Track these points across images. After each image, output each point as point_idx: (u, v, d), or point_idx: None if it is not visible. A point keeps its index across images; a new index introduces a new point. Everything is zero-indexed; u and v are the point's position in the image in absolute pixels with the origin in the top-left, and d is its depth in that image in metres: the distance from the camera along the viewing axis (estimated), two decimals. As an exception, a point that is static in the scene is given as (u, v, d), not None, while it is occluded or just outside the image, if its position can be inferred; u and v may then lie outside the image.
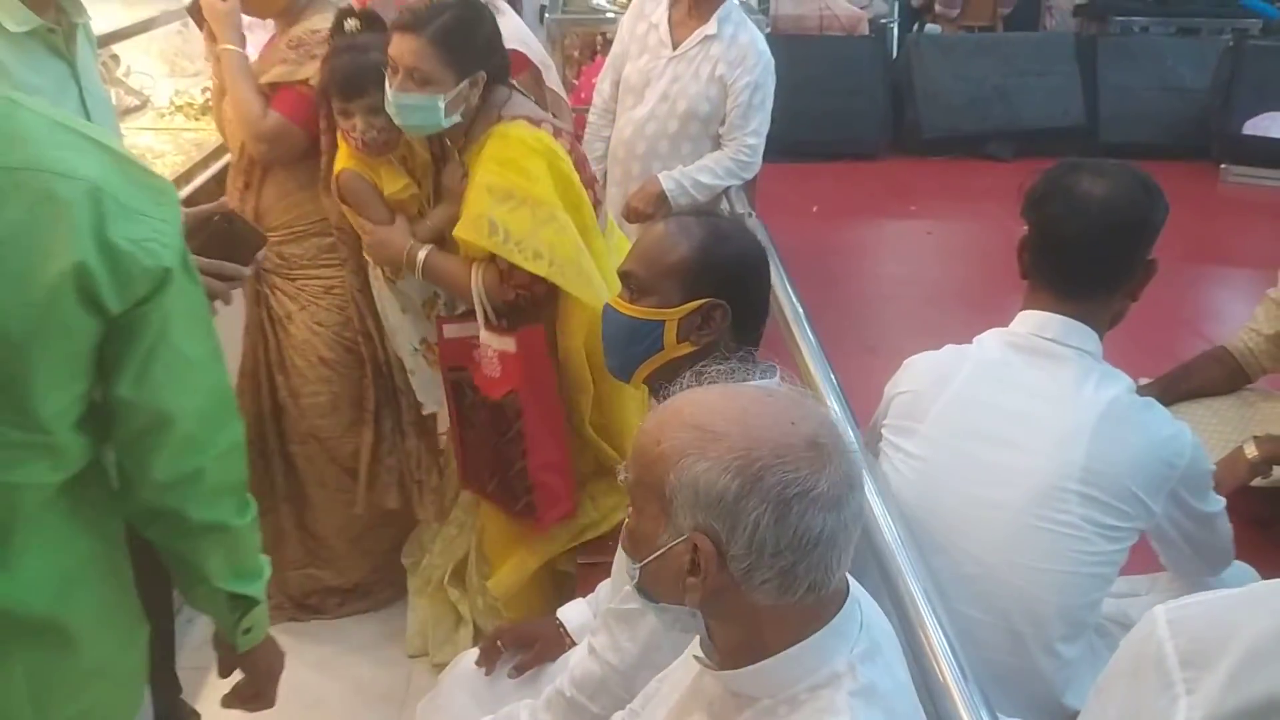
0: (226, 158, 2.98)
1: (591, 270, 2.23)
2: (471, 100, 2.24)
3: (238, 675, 1.51)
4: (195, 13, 2.64)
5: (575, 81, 4.96)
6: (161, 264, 1.16)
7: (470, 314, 2.33)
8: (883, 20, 7.72)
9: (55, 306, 1.09)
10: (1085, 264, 1.76)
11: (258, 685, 1.50)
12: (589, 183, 2.39)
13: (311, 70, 2.50)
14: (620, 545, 1.20)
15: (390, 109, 2.24)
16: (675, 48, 3.30)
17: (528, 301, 2.26)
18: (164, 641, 1.49)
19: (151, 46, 3.59)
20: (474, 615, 2.63)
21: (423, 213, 2.48)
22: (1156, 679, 1.05)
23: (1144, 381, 2.60)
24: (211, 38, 2.63)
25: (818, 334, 2.43)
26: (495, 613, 2.52)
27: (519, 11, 3.99)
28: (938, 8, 7.74)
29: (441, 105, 2.19)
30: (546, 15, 4.85)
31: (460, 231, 2.23)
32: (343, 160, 2.45)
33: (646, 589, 1.18)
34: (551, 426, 2.35)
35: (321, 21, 2.59)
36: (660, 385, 1.69)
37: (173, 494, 1.26)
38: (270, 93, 2.55)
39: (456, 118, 2.24)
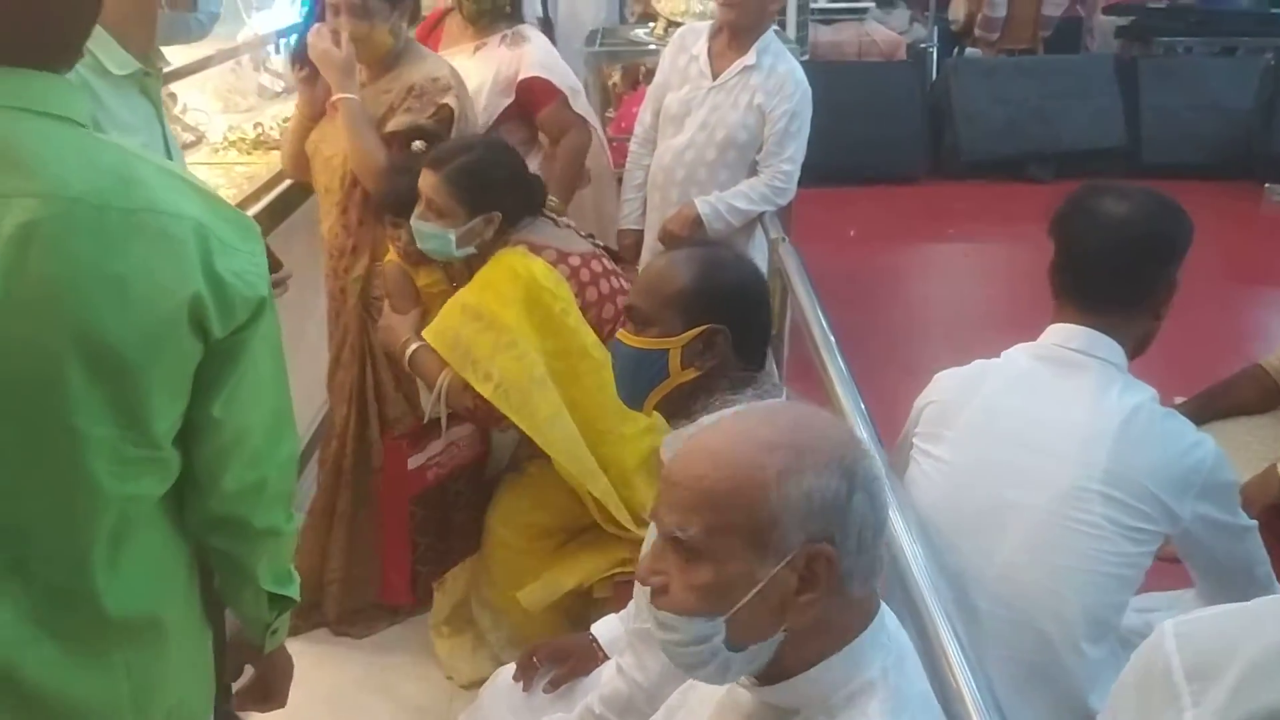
0: (278, 190, 3.10)
1: (542, 403, 2.33)
2: (485, 235, 2.44)
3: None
4: (300, 57, 2.76)
5: (615, 111, 5.04)
6: (258, 294, 1.26)
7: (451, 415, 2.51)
8: (922, 45, 7.77)
9: (172, 333, 1.19)
10: (1104, 278, 1.81)
11: (274, 684, 1.57)
12: (609, 296, 2.50)
13: (424, 115, 2.69)
14: (675, 612, 1.14)
15: (414, 232, 2.45)
16: (715, 78, 3.35)
17: (484, 413, 2.40)
18: (218, 657, 1.57)
19: (206, 84, 3.70)
20: (497, 648, 2.71)
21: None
22: (1164, 691, 1.08)
23: (1180, 400, 2.62)
24: (306, 82, 2.77)
25: (848, 357, 2.47)
26: (515, 643, 2.59)
27: (553, 40, 4.09)
28: (977, 31, 7.76)
29: (453, 238, 2.41)
30: (586, 48, 4.94)
31: (428, 335, 2.41)
32: (390, 253, 2.68)
33: (733, 639, 1.14)
34: (395, 531, 2.56)
35: (435, 68, 2.76)
36: (672, 412, 1.78)
37: (239, 502, 1.34)
38: (392, 140, 2.69)
39: (470, 249, 2.45)
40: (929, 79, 7.56)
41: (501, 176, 2.46)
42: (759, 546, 1.11)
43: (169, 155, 1.95)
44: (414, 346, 2.48)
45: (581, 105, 3.48)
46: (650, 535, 1.71)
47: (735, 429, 1.18)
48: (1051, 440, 1.77)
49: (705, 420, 1.70)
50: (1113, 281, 1.81)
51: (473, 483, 2.71)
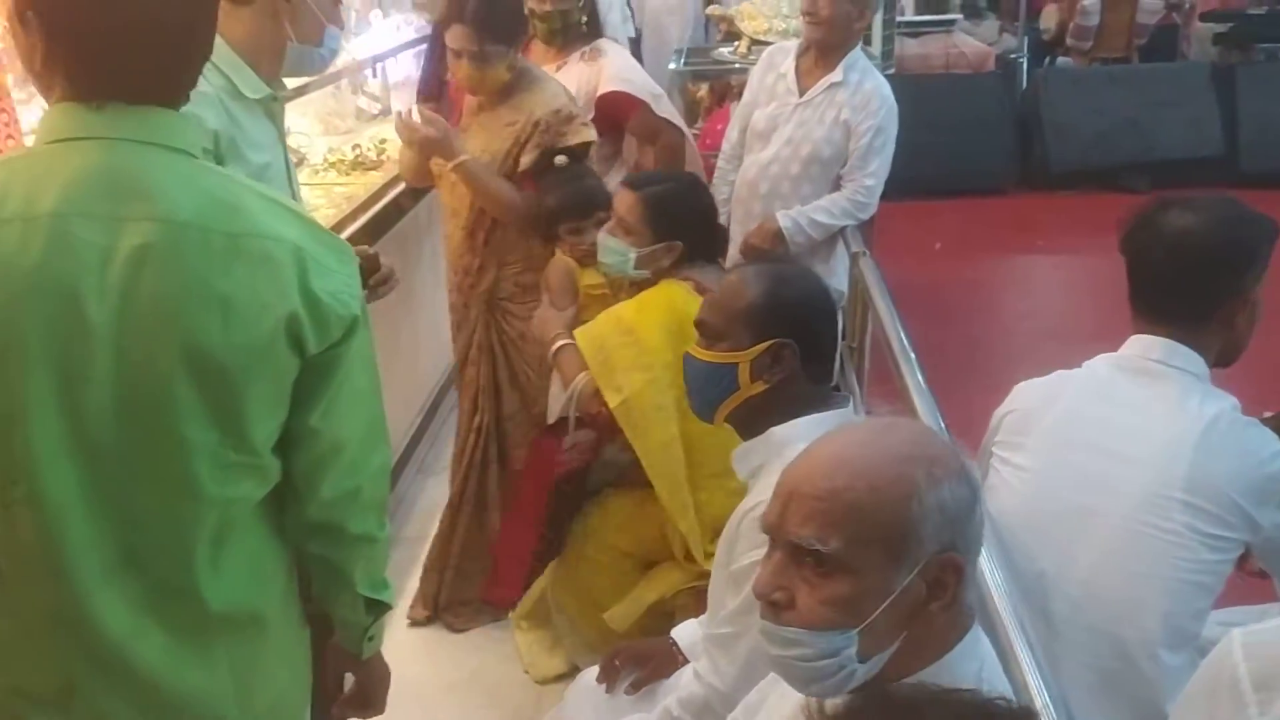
0: (375, 209, 3.25)
1: (659, 429, 2.40)
2: (662, 263, 2.53)
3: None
4: (426, 90, 2.98)
5: (700, 127, 5.10)
6: (352, 312, 1.34)
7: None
8: (1012, 55, 7.67)
9: (271, 348, 1.28)
10: (1170, 292, 1.82)
11: (372, 691, 1.63)
12: None
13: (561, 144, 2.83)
14: (805, 627, 1.15)
15: (599, 245, 2.59)
16: (802, 95, 3.39)
17: (605, 423, 2.48)
18: (316, 660, 1.65)
19: (308, 108, 3.85)
20: (572, 652, 2.80)
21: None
22: (1230, 700, 1.10)
23: (1268, 415, 2.58)
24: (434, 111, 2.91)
25: (931, 372, 2.48)
26: (590, 648, 2.66)
27: (640, 58, 4.15)
28: (1069, 40, 7.64)
29: (632, 257, 2.53)
30: (670, 66, 5.01)
31: (579, 334, 2.50)
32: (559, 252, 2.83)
33: (863, 651, 1.14)
34: (524, 526, 2.62)
35: (553, 97, 2.88)
36: (743, 424, 1.84)
37: (336, 509, 1.42)
38: (526, 176, 2.84)
39: (645, 273, 2.53)
40: (1018, 90, 7.47)
41: (693, 212, 2.58)
42: (897, 557, 1.13)
43: (289, 174, 2.06)
44: (561, 343, 2.59)
45: (666, 109, 3.54)
46: (734, 559, 1.76)
47: (863, 441, 1.20)
48: (1132, 448, 1.78)
49: (776, 433, 1.76)
50: (1178, 295, 1.81)
51: (578, 489, 2.80)
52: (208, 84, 1.76)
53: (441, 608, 3.09)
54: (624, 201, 2.56)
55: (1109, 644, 1.76)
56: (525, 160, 2.83)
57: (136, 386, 1.24)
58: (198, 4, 1.30)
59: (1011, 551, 1.79)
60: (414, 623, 3.10)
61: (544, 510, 2.61)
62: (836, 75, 3.34)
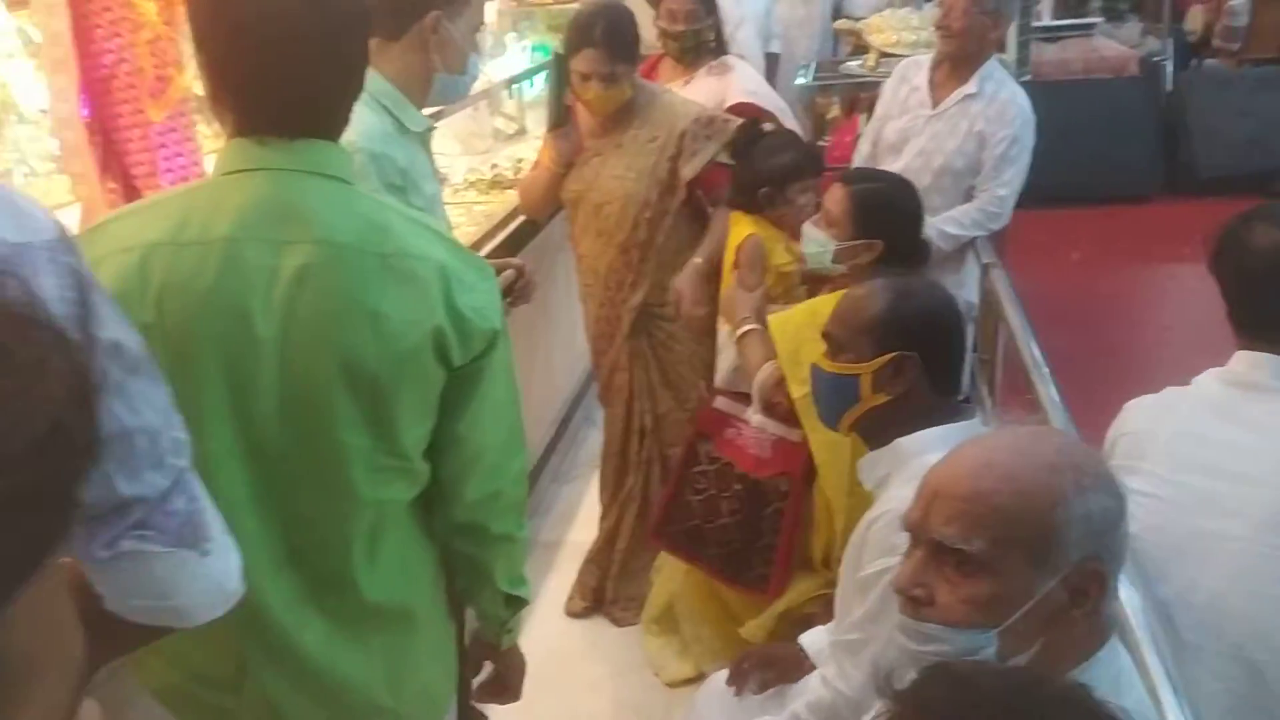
0: (511, 226, 3.38)
1: None
2: (861, 260, 2.52)
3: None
4: (557, 118, 2.93)
5: (829, 139, 5.10)
6: (493, 326, 1.43)
7: (746, 396, 2.59)
8: (1155, 58, 7.42)
9: (418, 360, 1.37)
10: (1265, 309, 1.77)
11: (510, 679, 1.72)
12: None
13: (719, 144, 2.92)
14: (944, 623, 1.18)
15: (803, 235, 2.62)
16: (935, 107, 3.38)
17: (784, 415, 2.49)
18: (460, 651, 1.74)
19: (447, 130, 3.99)
20: (699, 658, 2.85)
21: (791, 291, 2.81)
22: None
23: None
24: (563, 138, 2.94)
25: (1067, 384, 2.46)
26: (715, 654, 2.70)
27: (775, 73, 4.14)
28: (1216, 42, 7.35)
29: (832, 249, 2.53)
30: (799, 79, 5.04)
31: (773, 321, 2.51)
32: (748, 228, 2.85)
33: (1002, 652, 1.17)
34: (806, 515, 2.60)
35: (683, 107, 2.99)
36: (868, 434, 1.87)
37: (479, 510, 1.51)
38: (693, 181, 2.93)
39: (843, 268, 2.54)
40: (1162, 93, 7.23)
41: (898, 214, 2.58)
42: (1040, 562, 1.15)
43: (439, 197, 2.15)
44: (748, 328, 2.61)
45: (790, 124, 3.58)
46: (860, 567, 1.78)
47: (1012, 446, 1.23)
48: (1251, 468, 1.74)
49: (902, 444, 1.78)
50: (1266, 312, 1.76)
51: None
52: (383, 124, 1.88)
53: (609, 602, 3.21)
54: (833, 194, 2.57)
55: (1241, 667, 1.72)
56: (689, 168, 2.89)
57: (298, 395, 1.35)
58: (349, 47, 1.39)
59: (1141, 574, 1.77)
60: (572, 614, 3.23)
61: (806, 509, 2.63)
62: (971, 87, 3.33)
